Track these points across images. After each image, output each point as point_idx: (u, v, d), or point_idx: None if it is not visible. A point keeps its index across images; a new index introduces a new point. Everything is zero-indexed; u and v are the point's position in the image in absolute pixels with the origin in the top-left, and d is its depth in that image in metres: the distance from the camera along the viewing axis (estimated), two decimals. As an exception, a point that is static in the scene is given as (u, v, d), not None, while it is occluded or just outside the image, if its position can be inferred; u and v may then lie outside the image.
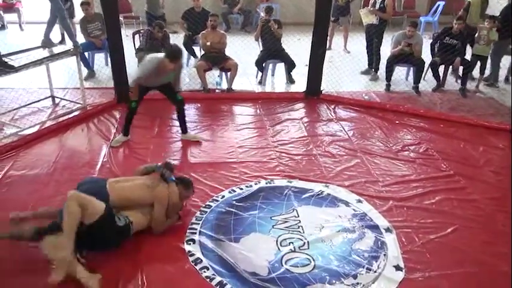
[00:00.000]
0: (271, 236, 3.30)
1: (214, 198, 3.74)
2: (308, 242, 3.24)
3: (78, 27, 6.96)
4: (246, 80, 6.78)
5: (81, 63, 5.78)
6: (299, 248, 3.18)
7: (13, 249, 3.04)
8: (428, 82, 6.78)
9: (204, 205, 3.63)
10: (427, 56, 6.67)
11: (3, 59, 4.59)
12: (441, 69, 6.65)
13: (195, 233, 3.30)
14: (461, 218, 3.60)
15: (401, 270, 3.01)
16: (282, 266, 3.01)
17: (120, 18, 5.90)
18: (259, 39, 6.73)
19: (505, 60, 6.95)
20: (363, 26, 7.29)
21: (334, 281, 2.90)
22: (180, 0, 8.65)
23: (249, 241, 3.25)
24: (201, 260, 3.03)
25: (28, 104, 5.48)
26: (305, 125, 5.29)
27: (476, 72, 6.73)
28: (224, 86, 6.47)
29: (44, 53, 5.22)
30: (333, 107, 5.84)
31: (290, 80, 6.77)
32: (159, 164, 3.44)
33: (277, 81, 6.97)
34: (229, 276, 2.91)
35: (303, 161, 4.43)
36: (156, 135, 4.91)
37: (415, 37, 6.48)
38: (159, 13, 8.08)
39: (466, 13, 7.14)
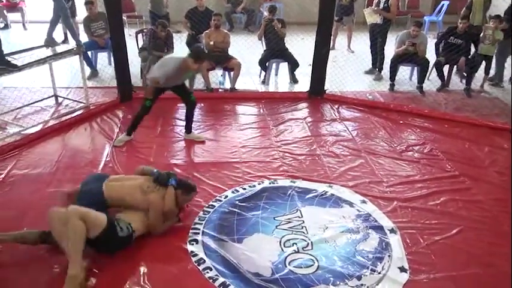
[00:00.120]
0: (275, 237, 3.28)
1: (217, 198, 3.72)
2: (312, 242, 3.22)
3: (80, 26, 6.96)
4: (249, 79, 6.76)
5: (84, 62, 5.78)
6: (303, 248, 3.16)
7: (13, 252, 3.03)
8: (432, 82, 6.74)
9: (207, 205, 3.61)
10: (431, 56, 6.62)
11: (6, 58, 4.59)
12: (445, 69, 6.61)
13: (198, 233, 3.28)
14: (466, 219, 3.57)
15: (406, 272, 2.98)
16: (286, 266, 2.99)
17: (123, 17, 5.89)
18: (263, 39, 6.71)
19: (510, 60, 6.89)
20: (366, 26, 7.25)
21: (338, 282, 2.87)
22: (184, 0, 8.62)
23: (252, 241, 3.23)
24: (204, 261, 3.01)
25: (31, 103, 5.48)
26: (308, 124, 5.26)
27: (481, 73, 6.68)
28: (227, 85, 6.46)
29: (47, 52, 5.22)
30: (336, 106, 5.81)
31: (293, 80, 6.74)
32: (156, 170, 3.39)
33: (280, 80, 6.94)
34: (232, 277, 2.89)
35: (306, 161, 4.41)
36: (159, 134, 4.89)
37: (420, 37, 6.44)
38: (163, 12, 8.08)
39: (468, 11, 7.10)
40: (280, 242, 3.22)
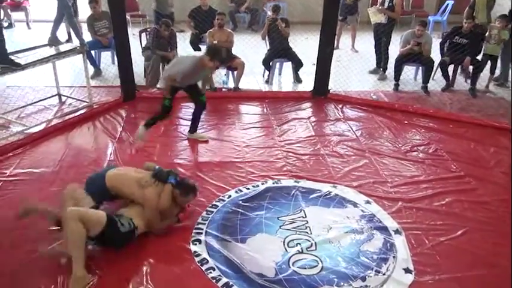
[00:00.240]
0: (278, 237, 3.25)
1: (220, 198, 3.70)
2: (316, 243, 3.19)
3: (83, 26, 6.95)
4: (252, 79, 6.74)
5: (88, 61, 5.77)
6: (306, 249, 3.14)
7: (14, 253, 3.02)
8: (437, 82, 6.70)
9: (210, 205, 3.59)
10: (435, 56, 6.58)
11: (10, 56, 4.58)
12: (450, 68, 6.57)
13: (201, 233, 3.26)
14: (472, 220, 3.53)
15: (411, 273, 2.95)
16: (289, 267, 2.96)
17: (126, 16, 5.89)
18: (266, 38, 6.69)
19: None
20: (370, 25, 7.22)
21: (342, 283, 2.85)
22: (187, -1, 8.62)
23: (256, 242, 3.20)
24: (207, 261, 3.00)
25: (34, 102, 5.48)
26: (312, 124, 5.24)
27: (486, 72, 6.63)
28: (231, 84, 6.44)
29: (51, 51, 5.22)
30: (340, 106, 5.78)
31: (297, 79, 6.72)
32: (158, 166, 3.38)
33: (284, 80, 6.92)
34: (235, 277, 2.87)
35: (310, 160, 4.38)
36: (162, 133, 4.87)
37: (424, 36, 6.40)
38: (167, 12, 8.06)
39: (472, 11, 7.07)
40: (283, 242, 3.20)
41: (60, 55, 5.19)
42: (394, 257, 3.09)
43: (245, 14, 10.06)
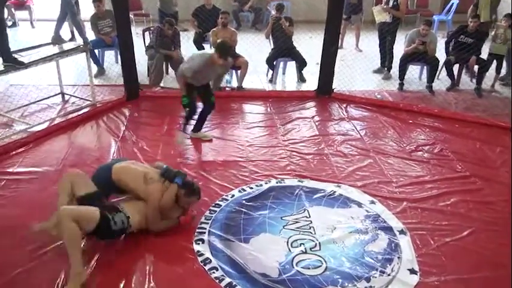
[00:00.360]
0: (282, 237, 3.23)
1: (223, 197, 3.68)
2: (320, 243, 3.16)
3: (86, 25, 6.94)
4: (256, 78, 6.71)
5: (91, 60, 5.76)
6: (310, 249, 3.11)
7: (15, 253, 3.01)
8: (442, 81, 6.65)
9: (213, 204, 3.57)
10: (440, 55, 6.54)
11: (13, 55, 4.58)
12: (455, 68, 6.52)
13: (204, 233, 3.23)
14: (477, 221, 3.50)
15: (416, 274, 2.92)
16: (293, 267, 2.94)
17: (130, 15, 5.88)
18: (270, 37, 6.66)
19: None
20: (374, 25, 7.18)
21: (346, 284, 2.82)
22: (191, -2, 8.61)
23: (259, 242, 3.18)
24: (210, 260, 2.97)
25: (38, 101, 5.48)
26: (316, 124, 5.21)
27: (492, 72, 6.58)
28: (234, 84, 6.41)
29: (54, 49, 5.23)
30: (344, 106, 5.75)
31: (301, 79, 6.69)
32: (166, 166, 3.36)
33: (288, 79, 6.89)
34: (238, 277, 2.84)
35: (314, 160, 4.35)
36: (165, 133, 4.86)
37: (429, 35, 6.35)
38: (171, 11, 8.04)
39: (476, 9, 7.02)
40: (287, 242, 3.17)
41: (63, 54, 5.19)
42: (399, 257, 3.06)
43: (249, 13, 10.03)
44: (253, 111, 5.60)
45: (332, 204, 3.64)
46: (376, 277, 2.88)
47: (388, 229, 3.35)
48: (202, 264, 2.94)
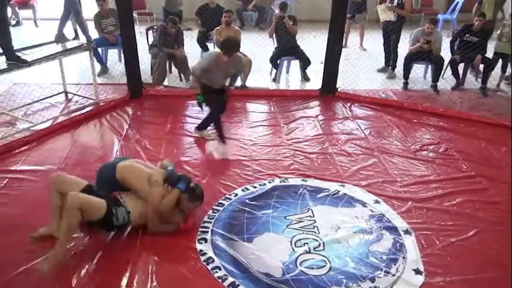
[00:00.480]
0: (285, 236, 3.20)
1: (227, 196, 3.65)
2: (323, 242, 3.13)
3: (90, 23, 6.93)
4: (260, 77, 6.69)
5: (95, 58, 5.75)
6: (314, 249, 3.08)
7: (17, 252, 2.99)
8: (447, 80, 6.60)
9: (216, 203, 3.54)
10: (445, 54, 6.49)
11: (16, 53, 4.57)
12: (460, 67, 6.47)
13: (207, 232, 3.21)
14: (483, 221, 3.46)
15: (421, 274, 2.89)
16: (297, 267, 2.91)
17: (133, 14, 5.86)
18: (274, 36, 6.63)
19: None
20: (379, 24, 7.14)
21: (351, 284, 2.79)
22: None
23: (263, 241, 3.15)
24: (213, 260, 2.95)
25: (41, 100, 5.48)
26: (320, 123, 5.18)
27: (497, 71, 6.53)
28: (238, 82, 6.38)
29: (57, 48, 5.22)
30: (348, 105, 5.71)
31: (305, 78, 6.66)
32: (171, 168, 3.32)
33: (291, 78, 6.87)
34: (241, 277, 2.82)
35: (318, 159, 4.32)
36: (168, 131, 4.84)
37: (434, 34, 6.31)
38: (176, 9, 8.03)
39: (479, 6, 6.97)
40: (291, 241, 3.14)
41: (66, 52, 5.18)
42: (403, 257, 3.03)
43: (252, 12, 10.02)
44: (257, 110, 5.58)
45: (336, 203, 3.61)
46: (380, 277, 2.85)
47: (392, 229, 3.32)
48: (205, 263, 2.92)
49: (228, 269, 2.88)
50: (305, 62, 6.57)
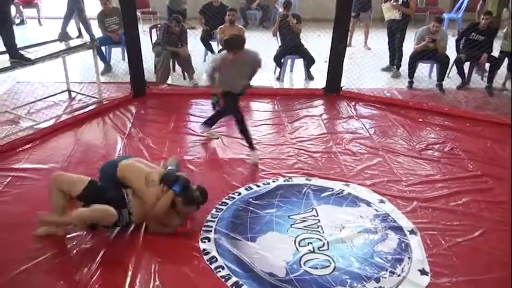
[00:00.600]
0: (289, 236, 3.17)
1: (230, 195, 3.63)
2: (328, 242, 3.11)
3: (93, 22, 6.93)
4: (264, 75, 6.64)
5: (98, 57, 5.73)
6: (318, 248, 3.05)
7: (19, 251, 2.99)
8: (452, 79, 6.55)
9: (220, 202, 3.52)
10: (451, 53, 6.44)
11: (20, 51, 4.56)
12: (466, 66, 6.42)
13: (211, 231, 3.19)
14: (489, 221, 3.43)
15: (427, 275, 2.86)
16: (301, 267, 2.88)
17: (137, 13, 5.85)
18: (278, 35, 6.60)
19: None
20: (383, 22, 7.09)
21: (355, 284, 2.76)
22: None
23: (266, 240, 3.13)
24: (216, 259, 2.93)
25: (44, 98, 5.47)
26: (324, 122, 5.14)
27: (503, 70, 6.47)
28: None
29: (61, 46, 5.21)
30: (353, 104, 5.68)
31: (309, 76, 6.62)
32: (173, 168, 3.30)
33: (295, 77, 6.83)
34: (245, 276, 2.80)
35: (322, 158, 4.29)
36: (172, 130, 4.82)
37: (440, 33, 6.25)
38: (180, 8, 8.01)
39: (483, 4, 6.93)
40: (295, 241, 3.12)
41: (70, 50, 5.17)
42: (409, 257, 3.00)
43: (256, 10, 9.98)
44: (261, 109, 5.55)
45: (340, 203, 3.58)
46: (385, 277, 2.82)
47: (398, 229, 3.29)
48: (208, 262, 2.90)
49: (232, 268, 2.86)
50: (309, 61, 6.54)
